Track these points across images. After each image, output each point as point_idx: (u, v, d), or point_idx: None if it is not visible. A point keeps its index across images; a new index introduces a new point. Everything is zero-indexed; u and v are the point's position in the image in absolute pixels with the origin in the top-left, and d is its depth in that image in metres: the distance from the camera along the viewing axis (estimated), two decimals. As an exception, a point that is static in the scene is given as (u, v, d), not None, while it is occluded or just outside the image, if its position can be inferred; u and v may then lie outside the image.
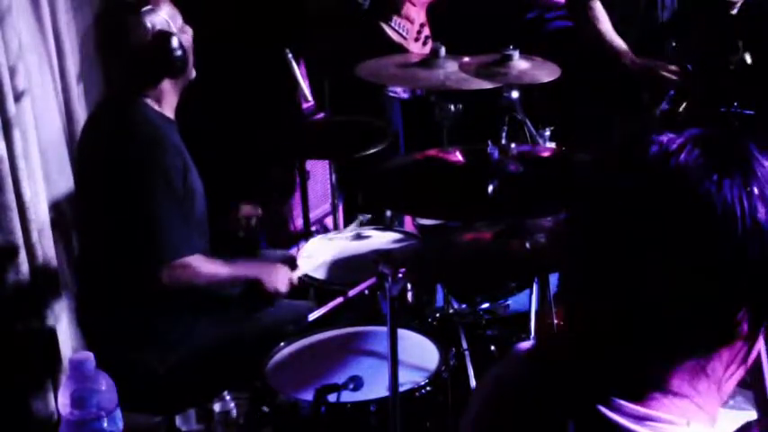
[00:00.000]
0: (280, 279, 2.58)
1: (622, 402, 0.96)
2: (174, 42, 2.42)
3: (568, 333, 1.06)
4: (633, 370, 0.98)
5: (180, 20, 2.50)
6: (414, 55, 3.22)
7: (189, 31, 2.53)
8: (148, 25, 2.40)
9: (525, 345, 1.16)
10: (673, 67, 3.25)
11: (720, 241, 0.91)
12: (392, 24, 3.58)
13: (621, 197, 0.96)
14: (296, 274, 2.62)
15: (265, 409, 2.20)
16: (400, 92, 3.69)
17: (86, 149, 2.62)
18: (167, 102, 2.51)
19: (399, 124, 3.86)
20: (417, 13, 3.69)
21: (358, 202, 3.35)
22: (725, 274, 0.92)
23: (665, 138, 0.97)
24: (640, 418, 0.95)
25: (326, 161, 3.65)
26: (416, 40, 3.68)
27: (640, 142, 0.98)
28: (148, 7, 2.41)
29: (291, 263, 2.68)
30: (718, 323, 0.95)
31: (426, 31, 3.72)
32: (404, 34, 3.59)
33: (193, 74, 2.55)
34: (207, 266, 2.48)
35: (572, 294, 1.04)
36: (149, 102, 2.48)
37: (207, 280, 2.49)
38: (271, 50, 3.55)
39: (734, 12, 3.19)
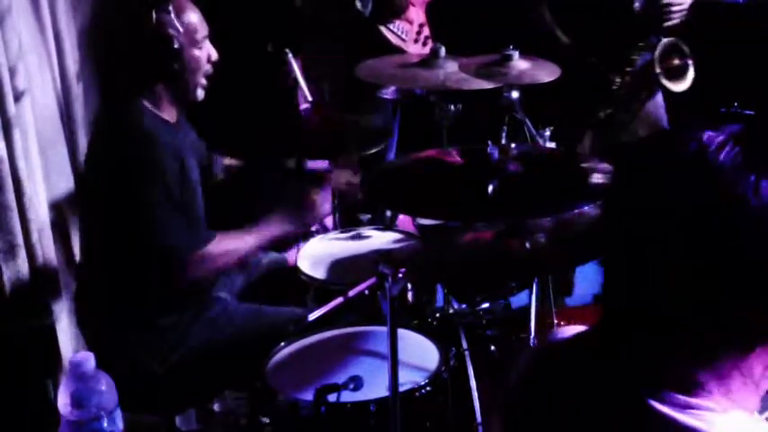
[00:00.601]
0: (311, 212, 2.60)
1: (668, 393, 0.99)
2: (174, 51, 2.39)
3: (612, 327, 1.07)
4: (674, 366, 1.00)
5: (201, 36, 2.46)
6: (413, 55, 3.22)
7: (211, 54, 2.50)
8: (157, 25, 2.38)
9: (565, 332, 1.17)
10: None
11: (753, 241, 0.92)
12: (391, 27, 3.57)
13: (660, 193, 0.97)
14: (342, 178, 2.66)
15: (265, 420, 2.20)
16: (389, 93, 3.67)
17: (88, 151, 2.62)
18: (165, 107, 2.49)
19: (394, 125, 3.87)
20: (417, 14, 3.68)
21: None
22: (758, 274, 0.93)
23: (705, 135, 0.98)
24: (684, 407, 0.98)
25: (326, 161, 3.65)
26: (416, 41, 3.68)
27: (680, 138, 0.99)
28: (164, 8, 2.39)
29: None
30: (750, 322, 0.96)
31: (426, 32, 3.72)
32: (403, 36, 3.58)
33: (198, 97, 2.52)
34: (223, 247, 2.47)
35: (614, 290, 1.06)
36: (147, 104, 2.47)
37: (229, 259, 2.49)
38: (266, 51, 3.57)
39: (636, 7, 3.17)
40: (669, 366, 1.00)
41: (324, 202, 2.62)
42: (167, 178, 2.39)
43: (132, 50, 2.44)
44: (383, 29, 3.55)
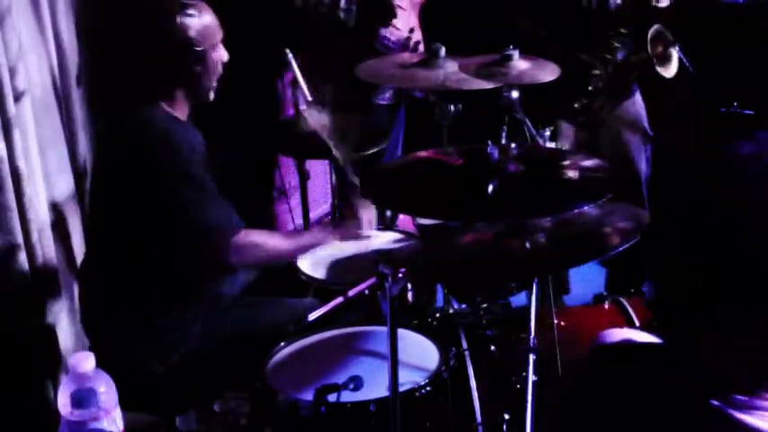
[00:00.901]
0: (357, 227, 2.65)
1: (733, 395, 1.01)
2: (195, 54, 2.41)
3: (675, 331, 1.10)
4: (737, 368, 1.02)
5: (218, 39, 2.48)
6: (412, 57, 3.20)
7: (224, 56, 2.52)
8: (180, 27, 2.39)
9: (615, 335, 1.19)
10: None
11: None
12: (380, 33, 3.53)
13: (713, 195, 0.98)
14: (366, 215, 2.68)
15: (265, 420, 2.20)
16: (386, 98, 3.65)
17: (103, 154, 2.62)
18: (179, 109, 2.52)
19: (400, 124, 3.87)
20: (407, 19, 3.62)
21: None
22: None
23: (760, 137, 1.00)
24: (749, 408, 1.01)
25: (326, 161, 3.65)
26: (405, 47, 3.63)
27: (733, 140, 1.00)
28: (189, 11, 2.40)
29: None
30: None
31: (417, 36, 3.67)
32: (393, 41, 3.53)
33: (209, 98, 2.54)
34: (267, 240, 2.52)
35: (672, 294, 1.08)
36: (165, 106, 2.49)
37: (271, 255, 2.52)
38: (266, 50, 3.56)
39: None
40: (733, 369, 1.01)
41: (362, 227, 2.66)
42: (194, 169, 2.42)
43: (151, 53, 2.44)
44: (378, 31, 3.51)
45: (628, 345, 1.21)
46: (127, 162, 2.46)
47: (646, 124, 3.48)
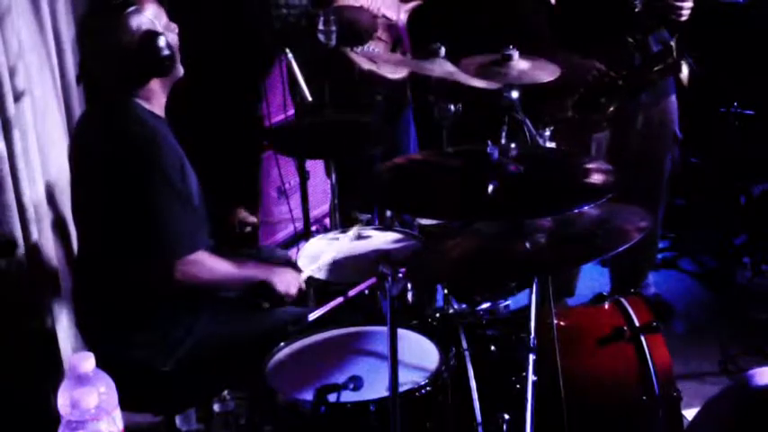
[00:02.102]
0: (291, 282, 2.59)
1: None
2: (161, 42, 2.42)
3: None
4: None
5: (165, 18, 2.49)
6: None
7: (175, 28, 2.52)
8: (134, 26, 2.40)
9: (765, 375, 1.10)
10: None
11: None
12: (358, 50, 3.50)
13: None
14: (302, 278, 2.63)
15: (265, 420, 2.20)
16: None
17: (81, 152, 2.61)
18: (157, 101, 2.51)
19: (411, 122, 3.87)
20: (394, 28, 3.61)
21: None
22: None
23: None
24: None
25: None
26: (390, 60, 3.58)
27: None
28: (133, 8, 2.41)
29: (296, 266, 2.69)
30: None
31: (405, 46, 3.65)
32: (373, 59, 3.50)
33: (181, 71, 2.54)
34: (216, 264, 2.49)
35: None
36: (140, 101, 2.48)
37: (216, 278, 2.49)
38: (262, 50, 3.57)
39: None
40: None
41: (294, 285, 2.61)
42: (169, 174, 2.40)
43: (118, 53, 2.43)
44: (352, 54, 3.48)
45: None
46: (107, 163, 2.45)
47: (676, 126, 3.49)
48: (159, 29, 2.44)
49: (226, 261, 2.52)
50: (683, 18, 3.15)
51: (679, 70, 3.09)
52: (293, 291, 2.59)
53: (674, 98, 3.44)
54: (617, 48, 3.20)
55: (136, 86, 2.47)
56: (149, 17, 2.43)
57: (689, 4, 3.14)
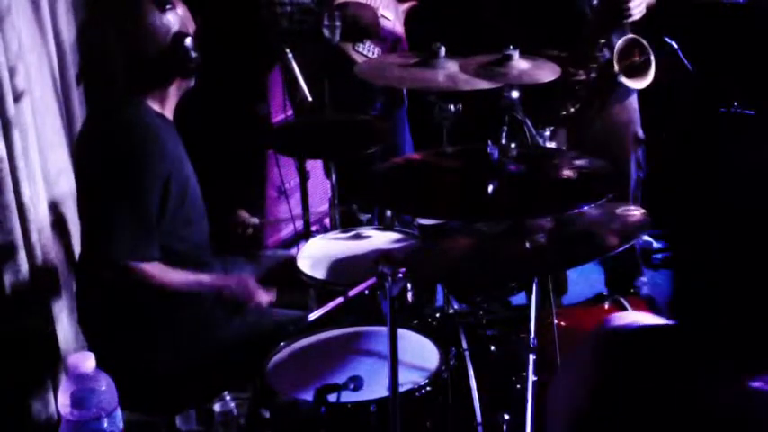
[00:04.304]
0: (248, 290, 2.55)
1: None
2: (191, 43, 2.41)
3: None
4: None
5: (192, 22, 2.49)
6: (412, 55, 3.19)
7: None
8: (169, 25, 2.39)
9: (626, 318, 1.19)
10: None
11: None
12: (359, 49, 3.50)
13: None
14: (264, 295, 2.58)
15: (266, 414, 2.20)
16: (377, 107, 3.62)
17: (83, 148, 2.61)
18: (169, 103, 2.51)
19: (405, 122, 3.87)
20: (392, 28, 3.59)
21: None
22: None
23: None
24: None
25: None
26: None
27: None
28: (169, 6, 2.40)
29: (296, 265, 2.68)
30: None
31: (404, 46, 3.64)
32: (371, 57, 3.50)
33: (193, 81, 2.54)
34: (163, 275, 2.45)
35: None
36: (150, 102, 2.47)
37: (160, 286, 2.45)
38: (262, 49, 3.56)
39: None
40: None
41: (259, 293, 2.57)
42: (150, 182, 2.38)
43: (142, 51, 2.43)
44: (351, 52, 3.48)
45: (643, 328, 1.17)
46: (102, 161, 2.45)
47: (638, 127, 3.47)
48: (190, 31, 2.43)
49: (176, 272, 2.47)
50: (635, 17, 3.12)
51: (614, 80, 3.06)
52: (259, 298, 2.55)
53: (634, 98, 3.42)
54: (580, 49, 3.18)
55: (154, 86, 2.46)
56: (181, 18, 2.42)
57: (635, 3, 3.11)
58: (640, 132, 3.48)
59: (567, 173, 2.14)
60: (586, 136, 3.31)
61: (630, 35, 3.07)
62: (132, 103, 2.46)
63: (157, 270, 2.44)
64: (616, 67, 3.02)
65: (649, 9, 3.16)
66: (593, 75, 3.15)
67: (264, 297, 2.56)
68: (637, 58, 3.07)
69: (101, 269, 2.43)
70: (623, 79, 3.03)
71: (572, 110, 3.21)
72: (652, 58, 3.06)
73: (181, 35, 2.40)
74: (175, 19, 2.41)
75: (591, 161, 2.19)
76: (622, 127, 3.41)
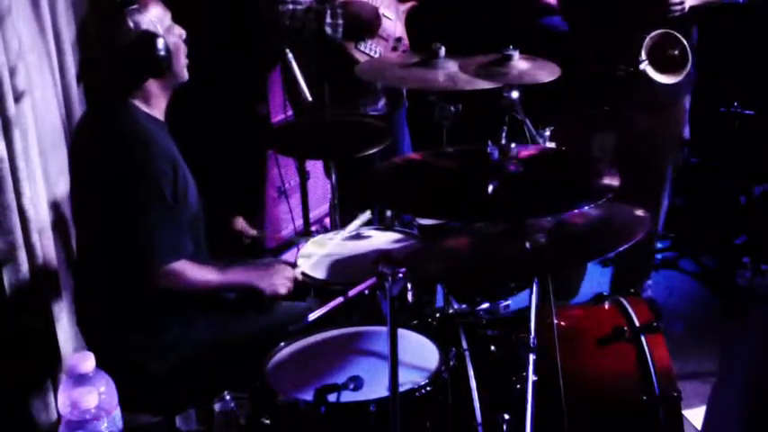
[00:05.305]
0: (278, 282, 2.58)
1: None
2: (159, 43, 2.43)
3: None
4: None
5: (168, 21, 2.50)
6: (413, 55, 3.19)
7: (180, 32, 2.52)
8: (132, 25, 2.41)
9: None
10: None
11: None
12: (361, 47, 3.49)
13: None
14: (298, 272, 2.63)
15: (266, 421, 2.21)
16: (379, 108, 3.62)
17: (79, 153, 2.62)
18: (156, 103, 2.52)
19: (404, 122, 3.87)
20: (393, 27, 3.60)
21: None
22: None
23: None
24: None
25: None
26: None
27: None
28: (133, 7, 2.42)
29: (291, 264, 2.69)
30: None
31: (405, 45, 3.65)
32: (373, 55, 3.50)
33: (185, 76, 2.54)
34: (197, 272, 2.48)
35: None
36: (138, 103, 2.48)
37: (197, 286, 2.49)
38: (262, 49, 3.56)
39: None
40: None
41: (283, 282, 2.61)
42: (159, 182, 2.41)
43: (115, 52, 2.44)
44: (353, 51, 3.48)
45: None
46: (100, 164, 2.46)
47: (686, 129, 3.48)
48: (159, 31, 2.44)
49: (209, 268, 2.51)
50: (679, 13, 3.13)
51: (682, 61, 3.05)
52: (282, 290, 2.59)
53: (686, 101, 3.42)
54: (622, 43, 3.18)
55: (132, 86, 2.48)
56: (150, 17, 2.43)
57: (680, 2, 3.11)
58: (687, 133, 3.49)
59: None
60: (631, 137, 3.32)
61: (662, 30, 3.08)
62: (120, 108, 2.47)
63: (191, 269, 2.46)
64: (642, 55, 3.02)
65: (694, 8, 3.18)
66: (632, 70, 3.15)
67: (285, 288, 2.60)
68: (673, 53, 3.08)
69: (146, 284, 2.44)
70: (647, 68, 3.03)
71: (606, 108, 3.21)
72: (689, 52, 3.06)
73: (146, 35, 2.41)
74: (142, 19, 2.42)
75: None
76: (668, 130, 3.41)
